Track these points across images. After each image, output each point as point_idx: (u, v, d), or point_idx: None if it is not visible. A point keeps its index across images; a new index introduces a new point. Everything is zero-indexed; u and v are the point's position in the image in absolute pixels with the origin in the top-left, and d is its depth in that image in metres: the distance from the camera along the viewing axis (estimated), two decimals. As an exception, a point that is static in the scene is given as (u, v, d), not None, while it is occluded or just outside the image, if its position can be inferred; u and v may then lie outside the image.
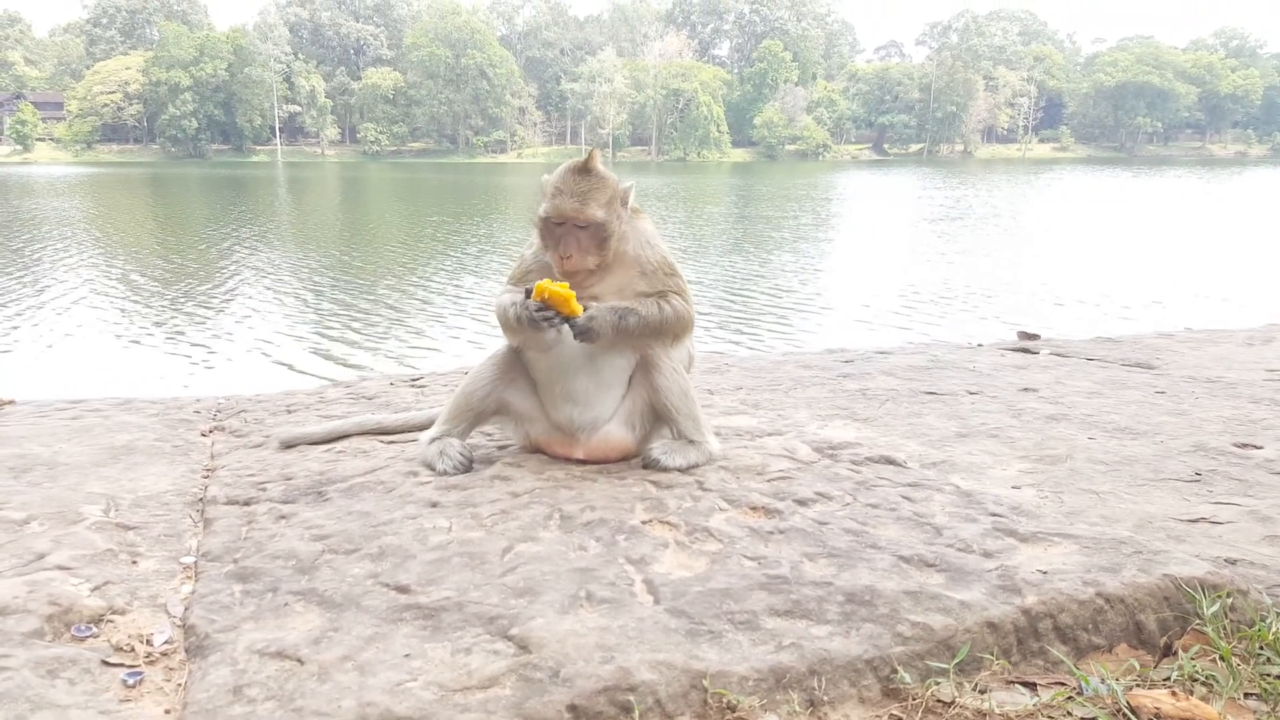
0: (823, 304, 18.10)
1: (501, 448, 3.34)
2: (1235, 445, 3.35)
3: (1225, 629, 2.06)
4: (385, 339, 14.95)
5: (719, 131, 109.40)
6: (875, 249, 27.42)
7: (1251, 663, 1.98)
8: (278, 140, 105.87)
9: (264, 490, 2.89)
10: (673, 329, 3.07)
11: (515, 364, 3.18)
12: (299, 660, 1.86)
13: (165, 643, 2.01)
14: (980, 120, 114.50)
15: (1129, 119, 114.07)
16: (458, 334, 14.99)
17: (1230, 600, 2.12)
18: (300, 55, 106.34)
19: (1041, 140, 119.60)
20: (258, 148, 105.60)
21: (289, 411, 4.00)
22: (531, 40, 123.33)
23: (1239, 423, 3.66)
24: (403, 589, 2.15)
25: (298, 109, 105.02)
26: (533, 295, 2.86)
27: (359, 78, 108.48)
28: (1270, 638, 2.03)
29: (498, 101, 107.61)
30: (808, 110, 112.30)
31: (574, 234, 2.93)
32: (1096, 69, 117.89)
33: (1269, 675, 1.94)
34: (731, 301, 18.09)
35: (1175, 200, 46.27)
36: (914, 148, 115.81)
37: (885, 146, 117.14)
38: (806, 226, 34.08)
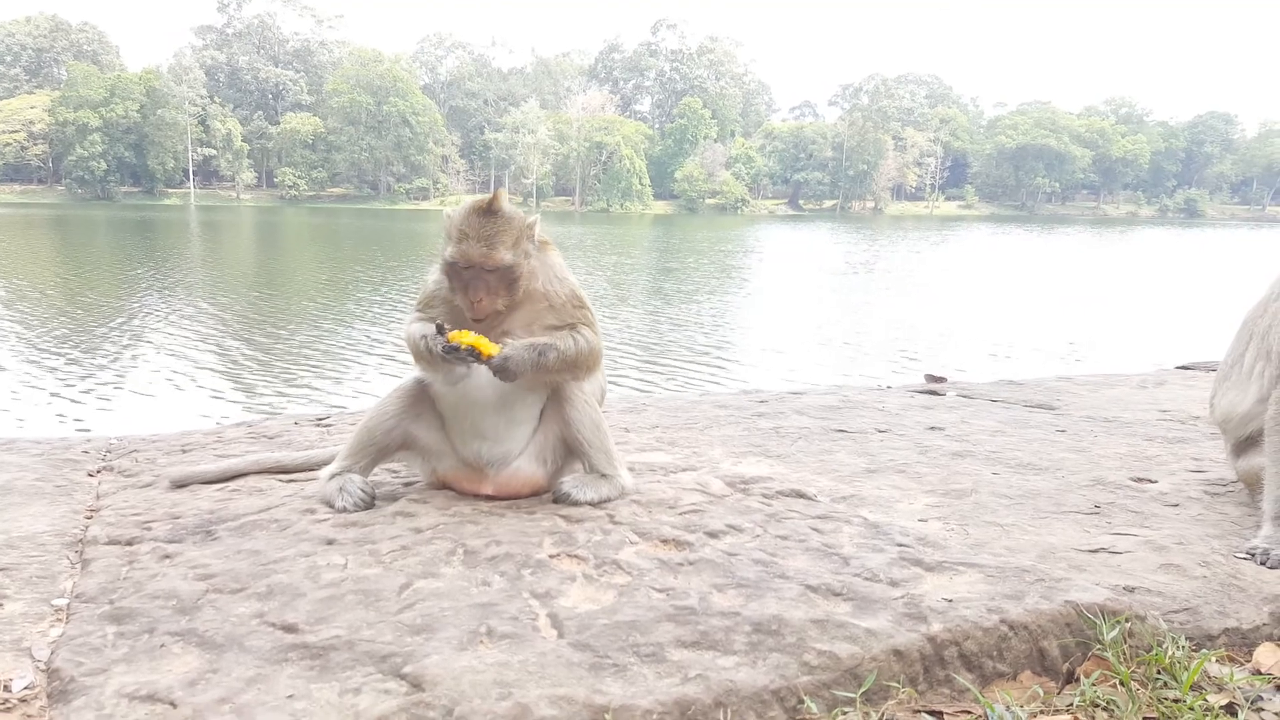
0: (740, 349, 18.37)
1: (407, 484, 3.23)
2: (1132, 479, 3.45)
3: (1124, 654, 2.09)
4: (293, 383, 14.51)
5: (641, 184, 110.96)
6: (791, 298, 27.97)
7: (1149, 687, 2.01)
8: (191, 183, 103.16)
9: (148, 530, 2.73)
10: (585, 362, 3.03)
11: (422, 397, 3.09)
12: (171, 704, 1.73)
13: (25, 688, 1.85)
14: (890, 178, 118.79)
15: (1029, 179, 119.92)
16: (368, 379, 14.67)
17: (1129, 626, 2.15)
18: (216, 98, 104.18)
19: (948, 198, 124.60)
20: (170, 191, 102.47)
21: (184, 451, 3.81)
22: (455, 90, 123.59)
23: (1135, 459, 3.78)
24: (290, 628, 2.03)
25: (213, 152, 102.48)
26: (448, 338, 2.78)
27: (277, 122, 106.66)
28: (1167, 662, 2.07)
29: (420, 149, 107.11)
30: (726, 166, 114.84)
31: (482, 278, 2.85)
32: (998, 131, 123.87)
33: (1166, 699, 1.97)
34: (652, 346, 18.18)
35: (1071, 256, 48.51)
36: (828, 203, 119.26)
37: (800, 202, 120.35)
38: (725, 276, 34.62)
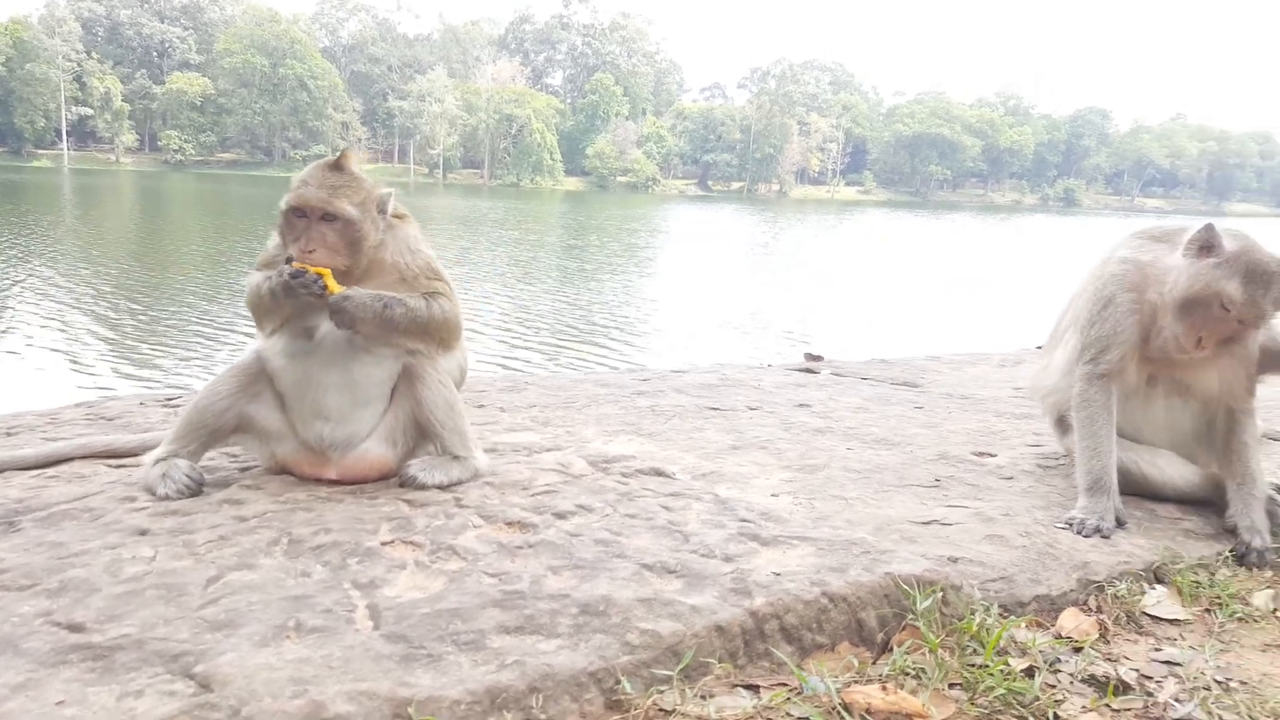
0: (637, 328, 18.37)
1: (245, 469, 3.08)
2: (974, 454, 3.56)
3: (937, 622, 2.14)
4: (150, 361, 13.67)
5: (552, 159, 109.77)
6: (693, 278, 28.16)
7: (957, 654, 2.06)
8: (64, 145, 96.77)
9: (-54, 521, 2.52)
10: (440, 330, 2.90)
11: (260, 376, 2.92)
12: (-79, 715, 1.59)
13: None
14: (794, 162, 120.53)
15: (924, 166, 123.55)
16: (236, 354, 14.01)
17: (943, 595, 2.20)
18: (94, 54, 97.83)
19: (848, 183, 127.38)
20: (40, 152, 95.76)
21: (9, 435, 3.55)
22: (357, 55, 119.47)
23: (981, 434, 3.90)
24: (76, 627, 1.90)
25: (90, 112, 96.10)
26: (294, 264, 2.65)
27: (162, 82, 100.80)
28: (975, 630, 2.13)
29: (318, 115, 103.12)
30: (638, 144, 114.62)
31: (319, 228, 2.72)
32: (896, 119, 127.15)
33: (972, 665, 2.02)
34: (549, 324, 18.04)
35: (958, 240, 50.15)
36: (735, 185, 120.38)
37: (710, 183, 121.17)
38: (630, 255, 34.62)
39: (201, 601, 2.02)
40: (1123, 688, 2.03)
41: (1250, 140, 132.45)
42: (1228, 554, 2.75)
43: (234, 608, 1.99)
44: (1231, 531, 2.83)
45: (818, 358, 6.30)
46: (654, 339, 17.28)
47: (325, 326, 2.78)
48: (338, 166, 2.79)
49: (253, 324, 2.98)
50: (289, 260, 2.69)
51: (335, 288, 2.68)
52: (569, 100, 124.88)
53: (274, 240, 2.91)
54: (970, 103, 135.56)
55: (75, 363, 13.32)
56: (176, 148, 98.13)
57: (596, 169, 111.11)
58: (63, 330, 15.40)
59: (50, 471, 2.97)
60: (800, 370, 5.77)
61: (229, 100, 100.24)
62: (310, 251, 2.71)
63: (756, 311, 20.68)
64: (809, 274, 29.69)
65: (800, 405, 4.49)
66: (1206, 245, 2.81)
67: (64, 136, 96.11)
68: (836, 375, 5.46)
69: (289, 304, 2.72)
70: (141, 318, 16.78)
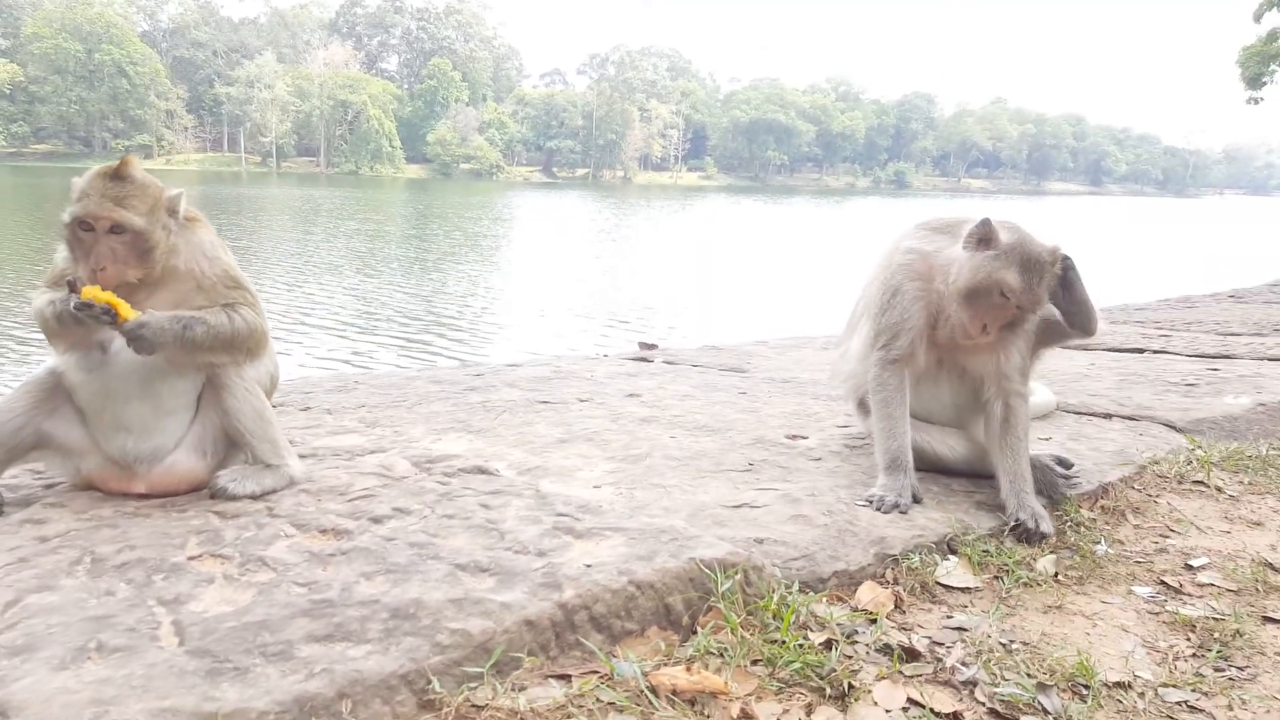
0: (476, 320, 18.21)
1: (49, 486, 2.94)
2: (787, 437, 3.79)
3: (738, 603, 2.30)
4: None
5: (391, 146, 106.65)
6: (536, 267, 28.09)
7: (759, 632, 2.22)
8: None
9: None
10: (245, 342, 2.85)
11: (57, 390, 2.80)
12: None
13: None
14: (637, 149, 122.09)
15: (761, 151, 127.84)
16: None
17: (744, 576, 2.36)
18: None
19: (690, 169, 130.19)
20: None
21: None
22: (179, 39, 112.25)
23: (796, 417, 4.15)
24: None
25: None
26: (81, 295, 2.53)
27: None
28: (775, 607, 2.29)
29: (140, 103, 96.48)
30: (480, 131, 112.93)
31: (107, 242, 2.61)
32: (733, 105, 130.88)
33: (772, 642, 2.18)
34: (386, 318, 17.61)
35: (795, 225, 52.12)
36: (580, 172, 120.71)
37: (554, 170, 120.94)
38: (472, 245, 34.14)
39: (-6, 629, 1.95)
40: (914, 655, 2.20)
41: (1065, 123, 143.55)
42: (1009, 531, 2.97)
43: (32, 631, 1.93)
44: (1014, 524, 3.02)
45: (652, 346, 6.49)
46: (495, 330, 17.17)
47: (121, 340, 2.69)
48: (120, 174, 2.68)
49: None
50: (71, 287, 2.57)
51: (128, 313, 2.58)
52: (406, 86, 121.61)
53: (62, 253, 2.78)
54: (804, 89, 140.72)
55: None
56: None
57: (438, 156, 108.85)
58: None
59: None
60: (635, 359, 5.93)
61: (41, 88, 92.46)
62: (101, 269, 2.60)
63: (597, 300, 20.86)
64: (650, 261, 30.15)
65: (630, 395, 4.63)
66: (984, 239, 3.02)
67: None
68: (669, 363, 5.65)
69: (78, 331, 2.64)
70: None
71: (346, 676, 1.85)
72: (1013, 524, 2.97)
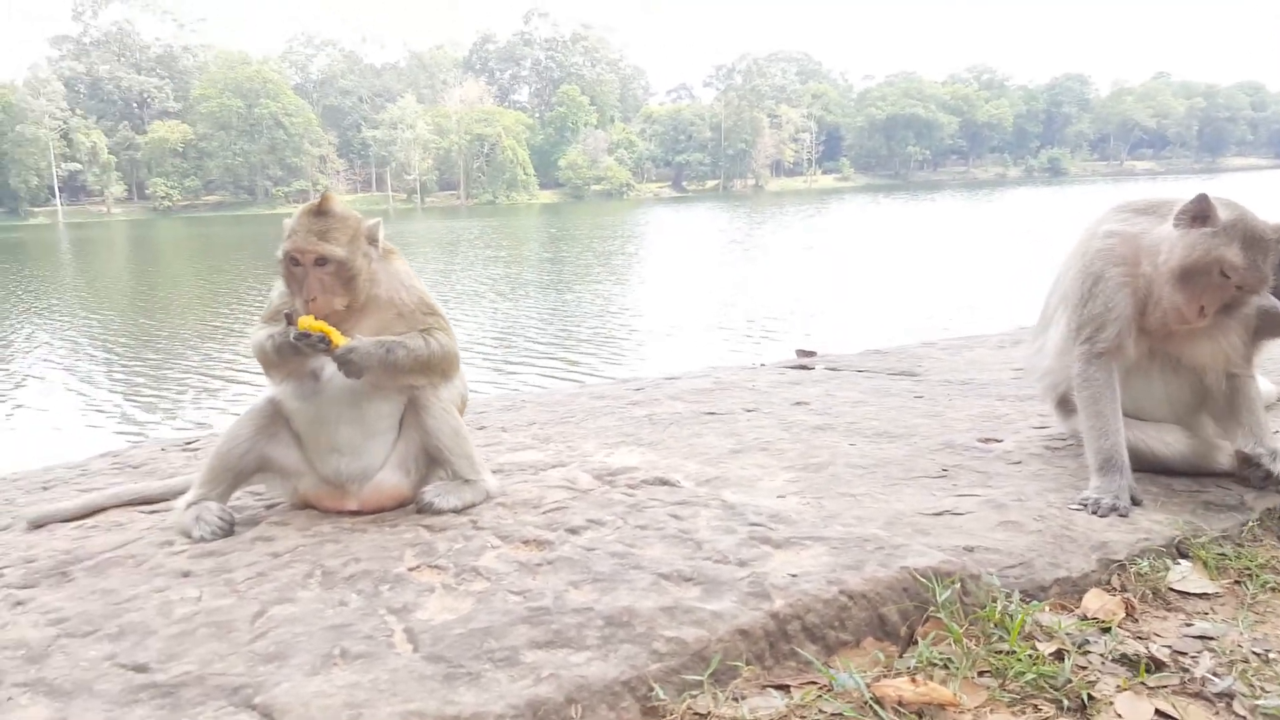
0: (624, 337, 18.47)
1: (270, 506, 3.17)
2: (979, 441, 3.64)
3: (959, 613, 2.22)
4: (164, 406, 13.88)
5: (526, 174, 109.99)
6: (675, 281, 28.26)
7: (983, 643, 2.14)
8: (58, 201, 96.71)
9: (1, 576, 2.62)
10: (440, 365, 3.02)
11: (276, 417, 3.04)
12: (9, 762, 1.68)
13: None
14: (768, 155, 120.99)
15: (901, 148, 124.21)
16: (246, 395, 14.16)
17: (962, 585, 2.28)
18: (78, 110, 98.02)
19: (825, 171, 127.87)
20: (36, 210, 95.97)
21: (45, 489, 3.65)
22: (328, 89, 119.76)
23: (985, 419, 3.99)
24: (141, 668, 1.99)
25: (78, 166, 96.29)
26: (298, 325, 2.76)
27: (144, 132, 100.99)
28: (999, 617, 2.20)
29: (296, 151, 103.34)
30: (609, 151, 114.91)
31: (315, 274, 2.82)
32: (868, 103, 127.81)
33: (999, 652, 2.09)
34: (536, 339, 18.12)
35: (944, 222, 50.34)
36: (710, 184, 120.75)
37: (684, 184, 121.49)
38: (610, 264, 34.71)
39: (250, 636, 2.11)
40: (1156, 665, 2.07)
41: (1240, 92, 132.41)
42: (1244, 473, 2.80)
43: (281, 640, 2.08)
44: (1245, 461, 2.86)
45: (810, 353, 6.40)
46: (642, 346, 17.39)
47: (331, 368, 2.89)
48: (322, 210, 2.89)
49: (259, 369, 3.08)
50: (289, 319, 2.79)
51: (339, 340, 2.78)
52: (537, 114, 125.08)
53: (276, 289, 3.03)
54: (943, 80, 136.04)
55: (93, 414, 13.46)
56: (163, 194, 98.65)
57: (570, 180, 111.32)
58: (77, 383, 15.54)
59: (89, 521, 3.07)
60: (794, 367, 5.86)
61: (209, 144, 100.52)
62: (312, 300, 2.81)
63: (743, 310, 20.79)
64: (793, 268, 29.80)
65: (797, 403, 4.58)
66: (1200, 215, 2.85)
67: (56, 193, 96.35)
68: (831, 370, 5.55)
69: (295, 360, 2.86)
70: (149, 365, 16.90)
71: (573, 682, 1.90)
72: (1247, 461, 2.79)
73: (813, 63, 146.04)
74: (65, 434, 12.08)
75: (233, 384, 14.95)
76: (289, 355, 2.83)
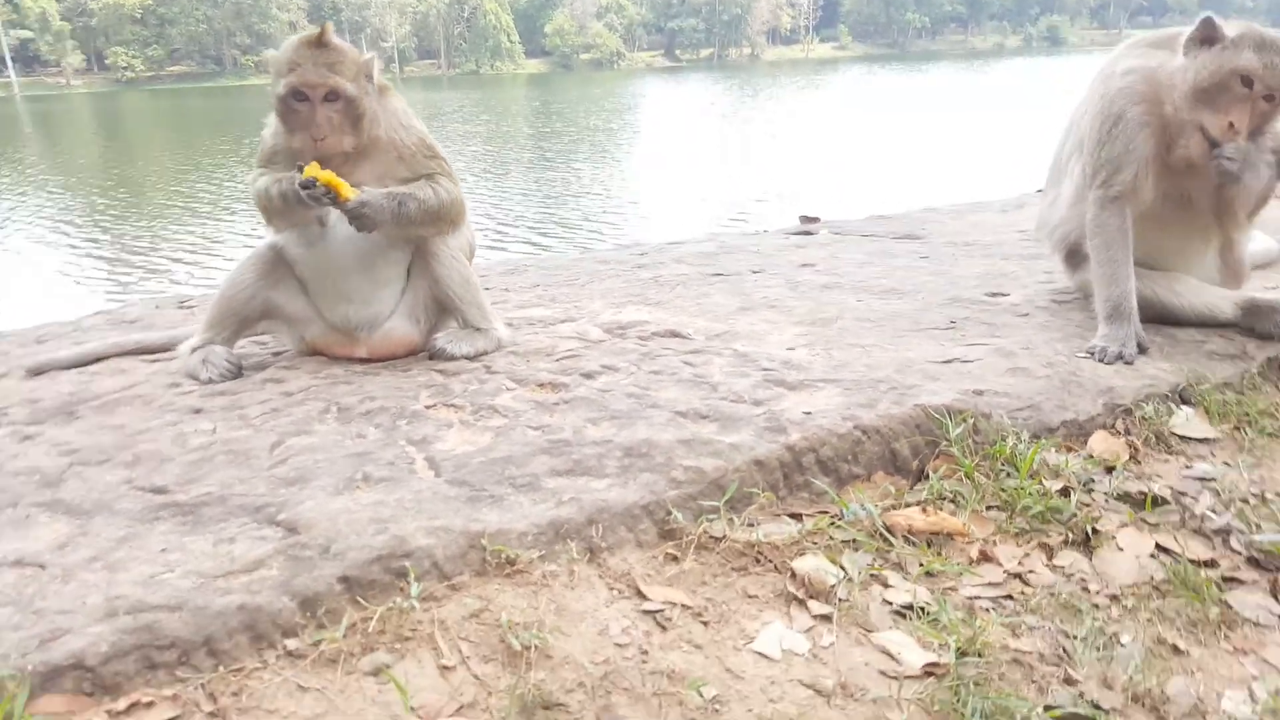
0: (623, 208, 18.23)
1: (277, 354, 3.15)
2: (986, 295, 3.64)
3: (969, 449, 2.26)
4: (153, 279, 13.71)
5: (510, 42, 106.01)
6: (672, 156, 27.71)
7: (993, 477, 2.19)
8: (11, 71, 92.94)
9: (5, 415, 2.62)
10: (448, 214, 2.94)
11: (279, 263, 2.96)
12: (40, 566, 1.73)
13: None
14: (764, 22, 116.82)
15: (900, 15, 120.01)
16: (229, 265, 13.96)
17: (973, 423, 2.32)
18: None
19: (822, 40, 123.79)
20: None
21: (39, 342, 3.61)
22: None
23: (991, 276, 3.98)
24: (160, 490, 2.02)
25: (29, 34, 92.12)
26: (304, 173, 2.62)
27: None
28: (1008, 454, 2.24)
29: (264, 16, 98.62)
30: (598, 17, 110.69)
31: (324, 110, 2.67)
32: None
33: (1007, 487, 2.15)
34: (537, 219, 17.87)
35: (944, 93, 49.17)
36: (704, 52, 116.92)
37: (677, 52, 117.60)
38: (607, 138, 33.94)
39: (270, 463, 2.13)
40: (1158, 502, 2.14)
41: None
42: (1250, 322, 2.86)
43: (302, 466, 2.10)
44: (1254, 309, 2.91)
45: (814, 219, 6.32)
46: (644, 218, 17.17)
47: (336, 215, 2.79)
48: (323, 41, 2.70)
49: (259, 221, 2.98)
50: (299, 168, 2.65)
51: (348, 193, 2.65)
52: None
53: (270, 129, 2.87)
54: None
55: (80, 282, 13.29)
56: (125, 65, 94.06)
57: (557, 48, 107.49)
58: (61, 254, 15.28)
59: (91, 369, 3.04)
60: (798, 233, 5.80)
61: (169, 10, 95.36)
62: (321, 139, 2.67)
63: (743, 181, 20.49)
64: (794, 139, 29.23)
65: (804, 265, 4.55)
66: (1208, 37, 2.79)
67: (8, 63, 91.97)
68: (836, 234, 5.50)
69: (300, 211, 2.71)
70: (135, 237, 16.61)
71: (593, 505, 1.94)
72: (1256, 309, 2.85)
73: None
74: (53, 302, 11.97)
75: (215, 254, 14.76)
76: (294, 205, 2.68)
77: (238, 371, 2.84)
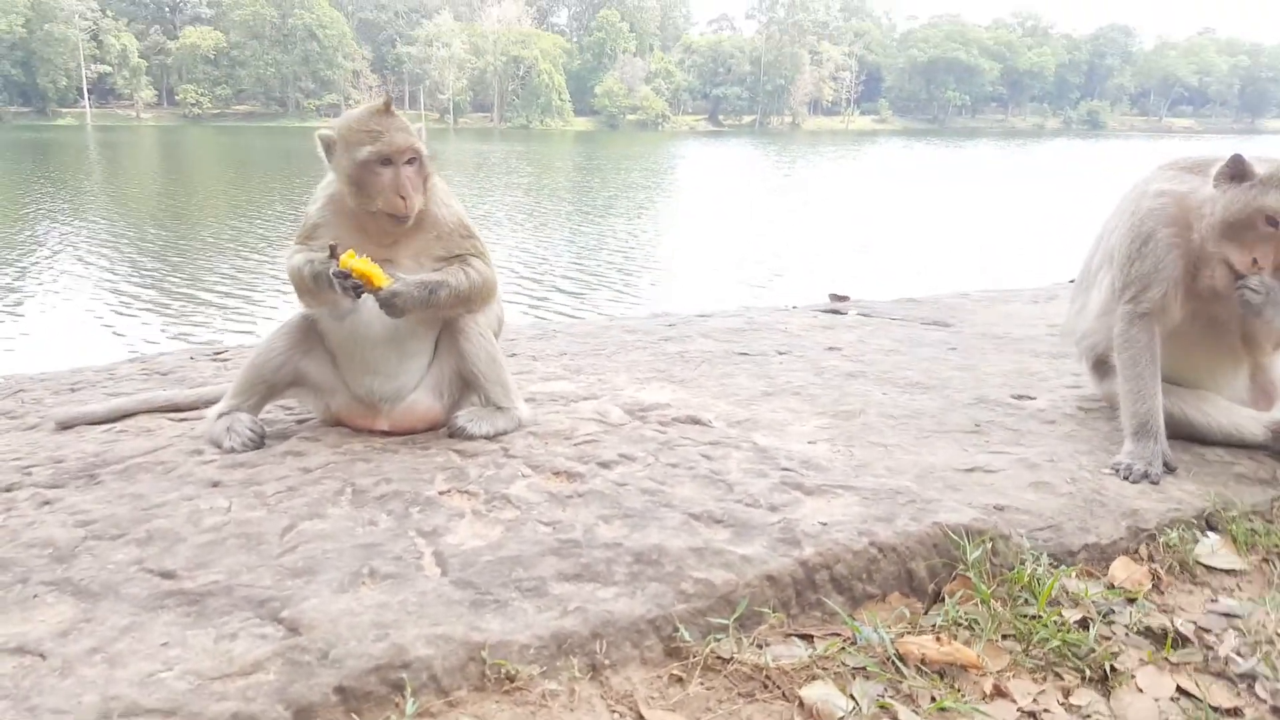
0: (657, 271, 18.35)
1: (301, 421, 3.18)
2: (1013, 397, 3.59)
3: (987, 573, 2.20)
4: (194, 316, 13.97)
5: (561, 100, 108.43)
6: (711, 216, 27.94)
7: (1009, 605, 2.12)
8: (87, 102, 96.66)
9: (29, 475, 2.64)
10: (479, 296, 2.99)
11: (311, 332, 3.02)
12: (41, 655, 1.71)
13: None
14: (806, 93, 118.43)
15: (940, 92, 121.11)
16: (277, 308, 14.22)
17: (992, 545, 2.25)
18: (109, 12, 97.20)
19: (863, 113, 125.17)
20: (64, 110, 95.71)
21: (73, 390, 3.67)
22: (363, 1, 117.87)
23: (1018, 375, 3.93)
24: (168, 574, 2.01)
25: (108, 69, 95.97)
26: (339, 263, 2.68)
27: (176, 37, 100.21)
28: (1026, 579, 2.18)
29: (329, 64, 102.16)
30: (646, 81, 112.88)
31: (405, 171, 2.77)
32: (910, 44, 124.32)
33: (1025, 616, 2.08)
34: (568, 269, 18.04)
35: (981, 170, 49.25)
36: (747, 119, 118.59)
37: (720, 118, 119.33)
38: (646, 196, 34.33)
39: (280, 550, 2.12)
40: (1181, 640, 2.06)
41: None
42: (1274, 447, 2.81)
43: (311, 555, 2.09)
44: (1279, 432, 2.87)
45: (843, 298, 6.31)
46: (677, 280, 17.27)
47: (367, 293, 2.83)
48: (390, 110, 2.85)
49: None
50: (332, 252, 2.71)
51: (381, 281, 2.70)
52: (575, 39, 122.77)
53: (314, 207, 2.96)
54: (987, 25, 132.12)
55: (123, 318, 13.61)
56: (194, 101, 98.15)
57: (605, 108, 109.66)
58: (108, 289, 15.66)
59: (119, 426, 3.09)
60: (826, 311, 5.79)
61: (241, 52, 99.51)
62: (406, 198, 2.76)
63: (776, 251, 20.56)
64: (828, 210, 29.37)
65: (830, 349, 4.52)
66: (1237, 174, 2.80)
67: (85, 94, 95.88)
68: (864, 316, 5.48)
69: (331, 295, 2.77)
70: (180, 274, 17.01)
71: (599, 617, 1.90)
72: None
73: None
74: (92, 338, 12.22)
75: (260, 295, 15.03)
76: (325, 289, 2.75)
77: (260, 441, 2.86)
